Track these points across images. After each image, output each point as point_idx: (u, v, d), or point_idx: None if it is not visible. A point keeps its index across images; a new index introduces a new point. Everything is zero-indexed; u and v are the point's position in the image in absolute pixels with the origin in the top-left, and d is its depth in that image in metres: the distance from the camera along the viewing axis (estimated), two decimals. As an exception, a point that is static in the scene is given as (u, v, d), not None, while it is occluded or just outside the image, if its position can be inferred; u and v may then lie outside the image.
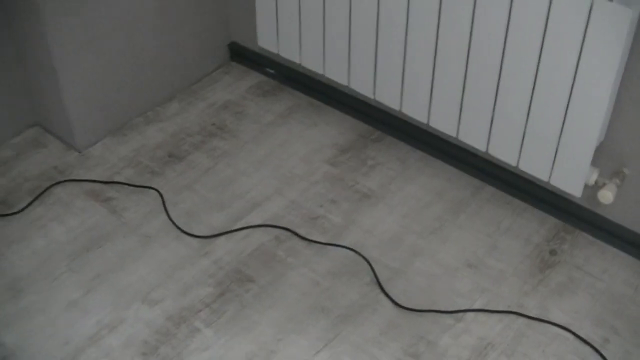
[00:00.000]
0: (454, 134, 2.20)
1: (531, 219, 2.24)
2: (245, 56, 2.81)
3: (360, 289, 2.07)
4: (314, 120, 2.59)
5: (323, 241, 2.18)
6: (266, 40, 2.52)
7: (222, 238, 2.21)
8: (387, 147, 2.47)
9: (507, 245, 2.16)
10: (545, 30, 1.87)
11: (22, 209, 2.30)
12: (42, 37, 2.26)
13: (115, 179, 2.39)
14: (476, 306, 2.02)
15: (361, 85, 2.35)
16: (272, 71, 2.73)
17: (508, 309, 2.01)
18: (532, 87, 1.97)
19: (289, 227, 2.23)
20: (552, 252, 2.15)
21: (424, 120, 2.25)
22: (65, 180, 2.38)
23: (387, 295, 2.04)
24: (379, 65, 2.27)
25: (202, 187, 2.36)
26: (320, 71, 2.42)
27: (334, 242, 2.18)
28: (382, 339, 1.95)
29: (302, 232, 2.21)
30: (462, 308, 2.02)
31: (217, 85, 2.75)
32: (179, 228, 2.23)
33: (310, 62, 2.44)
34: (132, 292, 2.07)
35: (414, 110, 2.26)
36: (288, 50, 2.48)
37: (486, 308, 2.01)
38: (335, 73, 2.39)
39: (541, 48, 1.90)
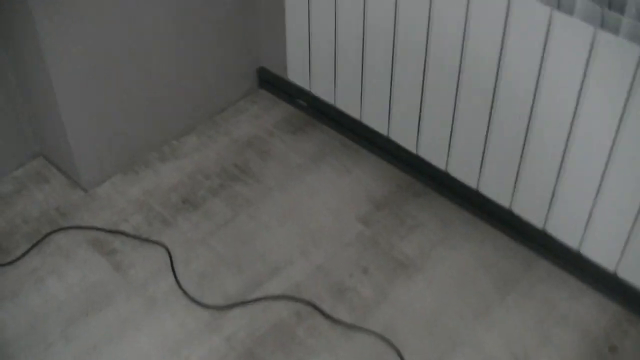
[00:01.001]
0: (506, 205, 1.92)
1: (590, 304, 1.94)
2: (275, 84, 2.51)
3: (390, 386, 1.81)
4: (347, 165, 2.30)
5: (350, 321, 1.91)
6: (297, 74, 2.24)
7: (237, 310, 1.95)
8: (430, 204, 2.18)
9: (561, 337, 1.87)
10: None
11: (18, 258, 2.06)
12: (41, 66, 2.00)
13: (123, 227, 2.14)
14: (522, 416, 1.76)
15: (402, 137, 2.06)
16: (303, 103, 2.43)
17: (559, 422, 1.75)
18: (606, 160, 1.68)
19: (312, 300, 1.96)
20: (612, 349, 1.86)
21: (473, 186, 1.96)
22: (67, 227, 2.13)
23: (419, 399, 1.78)
24: (424, 118, 1.98)
25: (218, 242, 2.10)
26: (356, 116, 2.14)
27: (362, 324, 1.90)
28: None
29: (326, 307, 1.94)
30: (506, 418, 1.76)
31: (242, 117, 2.47)
32: (187, 295, 1.97)
33: (346, 104, 2.15)
34: (131, 373, 1.83)
35: (462, 172, 1.98)
36: (321, 88, 2.20)
37: (534, 421, 1.75)
38: (373, 120, 2.11)
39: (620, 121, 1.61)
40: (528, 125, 1.76)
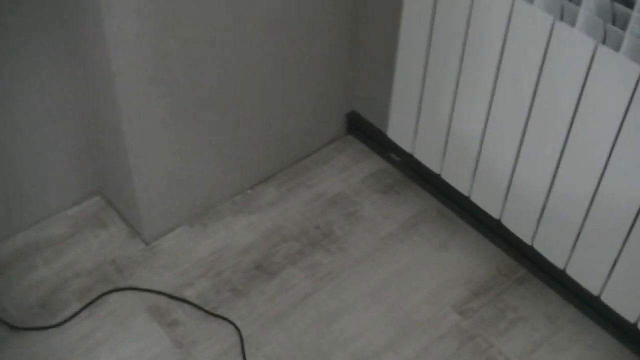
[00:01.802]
0: (632, 320, 1.65)
1: None
2: (366, 132, 2.23)
3: None
4: (443, 239, 2.02)
5: None
6: (399, 134, 1.95)
7: (313, 413, 1.71)
8: (534, 294, 1.91)
9: None
10: None
11: (66, 320, 1.83)
12: (111, 98, 1.74)
13: (187, 293, 1.88)
14: None
15: (517, 226, 1.78)
16: (397, 158, 2.15)
17: None
18: None
19: (400, 407, 1.72)
20: None
21: (595, 293, 1.70)
22: (124, 288, 1.89)
23: None
24: (547, 212, 1.70)
25: (296, 323, 1.84)
26: (465, 192, 1.86)
27: None
28: None
29: (416, 417, 1.70)
30: None
31: (326, 168, 2.19)
32: (259, 389, 1.74)
33: (454, 178, 1.87)
34: None
35: (584, 277, 1.70)
36: (425, 155, 1.91)
37: None
38: (484, 202, 1.82)
39: None
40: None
